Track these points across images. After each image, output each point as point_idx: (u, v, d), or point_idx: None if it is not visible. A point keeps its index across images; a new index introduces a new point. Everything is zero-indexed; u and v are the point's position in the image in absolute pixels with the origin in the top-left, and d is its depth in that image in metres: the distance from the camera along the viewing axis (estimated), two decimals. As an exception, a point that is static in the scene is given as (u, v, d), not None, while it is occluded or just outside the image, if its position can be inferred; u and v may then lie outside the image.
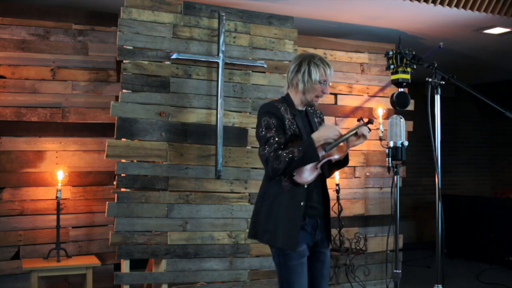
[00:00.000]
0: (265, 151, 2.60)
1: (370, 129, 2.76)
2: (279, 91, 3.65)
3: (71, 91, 4.50)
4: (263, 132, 2.65)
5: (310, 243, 2.71)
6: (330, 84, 2.79)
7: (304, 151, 2.54)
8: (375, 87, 5.43)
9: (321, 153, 2.63)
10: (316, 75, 2.68)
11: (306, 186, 2.65)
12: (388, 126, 2.99)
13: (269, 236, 2.67)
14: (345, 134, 2.69)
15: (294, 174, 2.60)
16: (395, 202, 2.94)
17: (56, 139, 4.47)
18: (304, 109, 2.81)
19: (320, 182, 2.74)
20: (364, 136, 2.71)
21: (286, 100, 2.77)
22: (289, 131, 2.65)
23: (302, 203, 2.62)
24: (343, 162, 2.83)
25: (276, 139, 2.60)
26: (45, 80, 4.44)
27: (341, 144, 2.69)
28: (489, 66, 7.33)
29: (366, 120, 2.76)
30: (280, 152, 2.56)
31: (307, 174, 2.63)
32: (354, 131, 2.69)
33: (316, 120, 2.86)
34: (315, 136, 2.60)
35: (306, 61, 2.71)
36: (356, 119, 2.90)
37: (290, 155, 2.54)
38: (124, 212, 4.02)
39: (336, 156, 2.70)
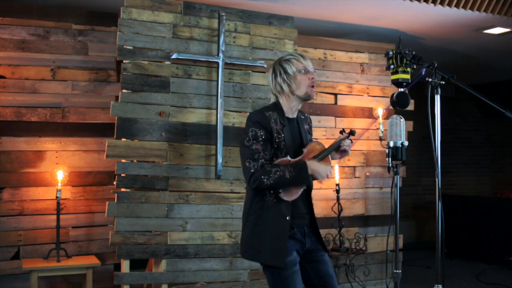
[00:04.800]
0: (251, 165, 2.54)
1: (352, 141, 2.74)
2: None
3: (71, 91, 4.51)
4: (249, 143, 2.57)
5: (300, 250, 2.66)
6: (316, 74, 2.71)
7: (296, 174, 2.51)
8: (375, 87, 5.43)
9: None
10: (291, 68, 2.65)
11: (290, 201, 2.60)
12: (388, 126, 2.99)
13: (254, 252, 2.62)
14: (328, 148, 2.66)
15: (281, 191, 2.56)
16: (395, 202, 2.94)
17: (56, 139, 4.47)
18: (295, 116, 2.74)
19: (305, 193, 2.68)
20: (345, 152, 2.69)
21: (277, 107, 2.69)
22: (275, 144, 2.59)
23: (288, 218, 2.58)
24: None
25: (262, 154, 2.55)
26: (45, 80, 4.44)
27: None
28: (489, 66, 7.33)
29: (348, 131, 2.73)
30: (268, 168, 2.52)
31: (294, 192, 2.59)
32: (337, 145, 2.67)
33: (305, 127, 2.80)
34: (309, 163, 2.56)
35: (277, 64, 2.70)
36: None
37: (280, 173, 2.50)
38: (124, 212, 4.02)
39: None
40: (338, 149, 2.69)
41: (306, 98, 2.70)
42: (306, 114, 2.87)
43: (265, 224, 2.59)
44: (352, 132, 2.69)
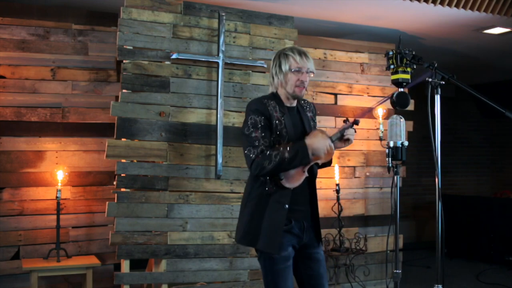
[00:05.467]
0: (250, 152, 2.56)
1: (355, 130, 2.73)
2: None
3: (71, 91, 4.51)
4: (249, 131, 2.59)
5: (296, 245, 2.66)
6: (312, 75, 2.69)
7: (295, 153, 2.50)
8: (375, 87, 5.43)
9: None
10: (285, 65, 2.65)
11: (291, 189, 2.60)
12: (388, 126, 2.99)
13: (251, 238, 2.62)
14: (332, 136, 2.65)
15: (282, 178, 2.56)
16: (395, 202, 2.94)
17: (56, 139, 4.47)
18: (295, 105, 2.75)
19: (307, 183, 2.68)
20: (349, 140, 2.68)
21: (276, 96, 2.71)
22: (276, 131, 2.60)
23: (286, 206, 2.58)
24: (327, 163, 2.79)
25: (262, 140, 2.56)
26: (45, 80, 4.44)
27: None
28: (489, 66, 7.33)
29: (352, 120, 2.73)
30: (269, 152, 2.52)
31: (295, 178, 2.58)
32: (340, 134, 2.67)
33: (308, 114, 2.80)
34: (308, 142, 2.55)
35: (277, 55, 2.71)
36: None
37: (280, 155, 2.50)
38: (124, 212, 4.02)
39: (323, 160, 2.66)
40: (341, 138, 2.68)
41: (294, 97, 2.71)
42: (308, 102, 2.86)
43: (263, 211, 2.59)
44: (355, 122, 2.68)
